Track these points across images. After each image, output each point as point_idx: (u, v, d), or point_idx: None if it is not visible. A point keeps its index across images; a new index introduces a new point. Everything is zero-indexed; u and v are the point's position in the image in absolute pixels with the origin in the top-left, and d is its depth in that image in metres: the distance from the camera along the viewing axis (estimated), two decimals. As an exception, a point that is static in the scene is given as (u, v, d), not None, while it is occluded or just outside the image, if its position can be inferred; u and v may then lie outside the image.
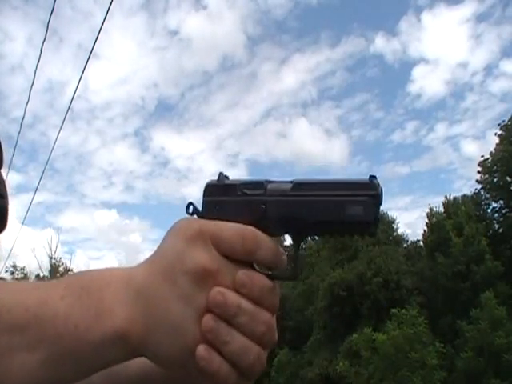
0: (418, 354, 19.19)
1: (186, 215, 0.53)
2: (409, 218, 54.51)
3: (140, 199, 54.68)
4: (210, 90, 54.35)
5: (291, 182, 0.51)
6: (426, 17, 49.33)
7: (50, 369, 0.44)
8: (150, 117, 54.10)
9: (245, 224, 0.48)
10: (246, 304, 0.46)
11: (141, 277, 0.47)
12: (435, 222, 25.28)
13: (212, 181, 0.55)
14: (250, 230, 0.47)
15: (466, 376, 19.64)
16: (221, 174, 0.55)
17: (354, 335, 21.64)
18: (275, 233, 0.51)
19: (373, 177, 0.49)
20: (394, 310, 20.80)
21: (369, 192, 0.48)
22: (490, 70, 45.95)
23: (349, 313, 24.57)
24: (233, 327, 0.45)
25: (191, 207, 0.53)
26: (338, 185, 0.49)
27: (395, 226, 30.72)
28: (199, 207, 0.54)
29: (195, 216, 0.53)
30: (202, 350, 0.45)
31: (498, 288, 21.33)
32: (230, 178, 0.55)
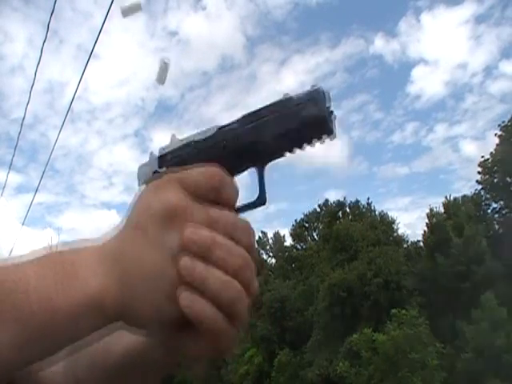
0: (418, 354, 19.18)
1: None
2: (409, 219, 54.58)
3: (140, 200, 54.42)
4: (209, 90, 54.43)
5: (240, 116, 0.53)
6: (425, 18, 49.38)
7: (24, 343, 0.42)
8: (150, 117, 54.18)
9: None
10: (220, 238, 0.45)
11: (113, 243, 0.47)
12: (435, 223, 25.26)
13: (163, 148, 0.57)
14: (216, 169, 0.47)
15: (467, 376, 19.63)
16: (173, 135, 0.56)
17: (354, 336, 21.63)
18: (238, 169, 0.52)
19: (313, 85, 0.50)
20: (394, 311, 20.79)
21: (313, 93, 0.49)
22: (489, 70, 46.04)
23: (349, 313, 24.56)
24: (209, 264, 0.44)
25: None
26: (287, 100, 0.50)
27: (395, 227, 30.76)
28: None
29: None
30: (182, 290, 0.43)
31: (499, 288, 21.31)
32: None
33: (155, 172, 0.56)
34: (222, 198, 0.47)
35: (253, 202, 0.52)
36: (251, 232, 0.48)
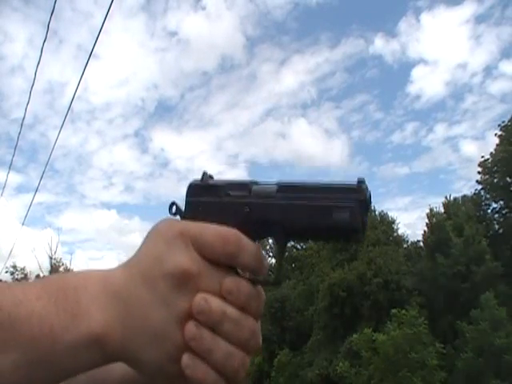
0: (418, 354, 19.17)
1: (169, 215, 0.52)
2: (408, 219, 54.55)
3: (140, 200, 54.66)
4: (209, 90, 54.39)
5: (276, 184, 0.50)
6: (425, 18, 49.25)
7: (23, 371, 0.41)
8: (150, 117, 54.13)
9: (228, 226, 0.46)
10: (231, 311, 0.44)
11: (118, 280, 0.45)
12: (435, 223, 25.26)
13: (195, 180, 0.53)
14: (233, 233, 0.46)
15: (466, 376, 19.62)
16: (205, 173, 0.53)
17: (354, 335, 21.63)
18: (259, 236, 0.49)
19: (361, 181, 0.47)
20: (394, 311, 20.78)
21: (356, 197, 0.46)
22: (489, 70, 45.90)
23: (349, 313, 24.56)
24: (217, 334, 0.44)
25: (174, 207, 0.52)
26: (325, 189, 0.47)
27: (395, 227, 30.75)
28: (183, 207, 0.53)
29: (178, 217, 0.52)
30: (186, 358, 0.43)
31: (498, 288, 21.31)
32: (228, 177, 0.54)
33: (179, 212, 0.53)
34: (239, 265, 0.46)
35: (269, 281, 0.50)
36: (262, 301, 0.47)
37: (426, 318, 20.26)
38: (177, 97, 54.85)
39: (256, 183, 0.51)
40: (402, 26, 48.83)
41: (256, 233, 0.49)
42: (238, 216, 0.49)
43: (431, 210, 26.38)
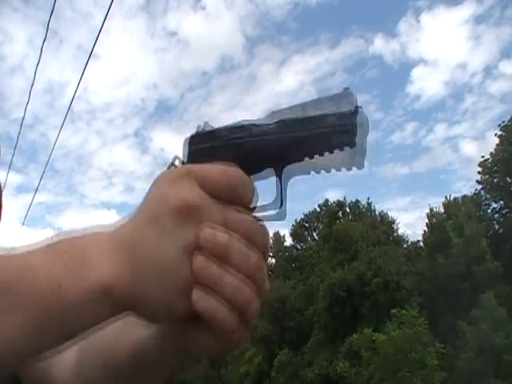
0: (418, 354, 19.18)
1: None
2: (408, 219, 54.54)
3: (140, 200, 54.28)
4: (209, 90, 54.42)
5: (276, 122, 0.51)
6: (425, 18, 49.34)
7: (34, 330, 0.42)
8: (150, 118, 54.20)
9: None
10: (237, 242, 0.45)
11: (124, 232, 0.46)
12: (435, 223, 25.27)
13: (195, 131, 0.54)
14: (235, 169, 0.47)
15: (467, 376, 19.63)
16: (206, 122, 0.54)
17: (354, 336, 21.64)
18: (256, 168, 0.51)
19: (346, 88, 0.49)
20: (394, 311, 20.79)
21: (352, 121, 0.49)
22: (489, 71, 45.99)
23: (349, 313, 24.56)
24: (224, 265, 0.44)
25: (177, 160, 0.52)
26: (321, 117, 0.49)
27: (395, 227, 30.76)
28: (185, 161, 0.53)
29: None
30: (196, 291, 0.43)
31: (498, 288, 21.32)
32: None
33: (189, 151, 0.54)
34: (240, 199, 0.46)
35: (271, 215, 0.50)
36: (267, 235, 0.47)
37: (426, 318, 20.27)
38: (177, 97, 54.93)
39: (257, 126, 0.51)
40: (402, 26, 48.92)
41: (253, 166, 0.50)
42: (236, 153, 0.50)
43: (431, 210, 26.43)
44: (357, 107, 0.49)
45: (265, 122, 0.51)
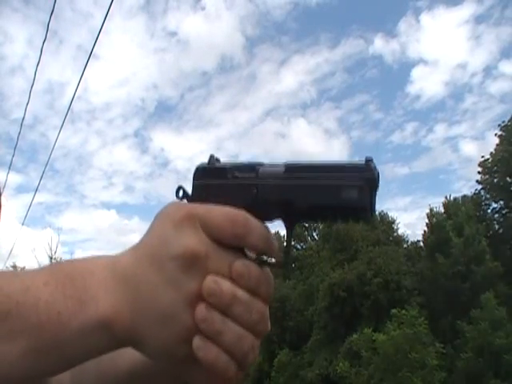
0: (418, 354, 19.17)
1: (176, 200, 0.51)
2: (408, 219, 54.50)
3: (140, 200, 54.65)
4: (209, 91, 54.41)
5: (284, 164, 0.49)
6: (425, 18, 49.26)
7: (32, 358, 0.41)
8: (150, 118, 54.17)
9: (235, 208, 0.46)
10: (241, 294, 0.44)
11: (126, 263, 0.45)
12: (435, 223, 25.25)
13: (202, 163, 0.53)
14: (241, 214, 0.45)
15: (466, 376, 19.62)
16: (212, 156, 0.53)
17: (354, 335, 21.62)
18: (267, 218, 0.49)
19: (369, 159, 0.47)
20: (394, 311, 20.78)
21: (364, 175, 0.46)
22: (489, 71, 45.89)
23: (349, 313, 24.55)
24: (227, 317, 0.44)
25: (181, 191, 0.52)
26: (333, 168, 0.47)
27: (395, 227, 30.75)
28: (190, 192, 0.52)
29: (185, 200, 0.52)
30: (197, 340, 0.43)
31: (498, 288, 21.31)
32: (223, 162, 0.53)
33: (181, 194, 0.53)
34: (247, 246, 0.46)
35: (276, 262, 0.49)
36: (271, 283, 0.47)
37: (426, 318, 20.26)
38: (177, 97, 54.92)
39: (263, 165, 0.50)
40: (402, 26, 48.88)
41: (264, 214, 0.48)
42: (246, 198, 0.49)
43: (431, 210, 26.40)
44: (375, 178, 0.46)
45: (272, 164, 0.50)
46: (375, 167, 0.47)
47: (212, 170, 0.52)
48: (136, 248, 0.46)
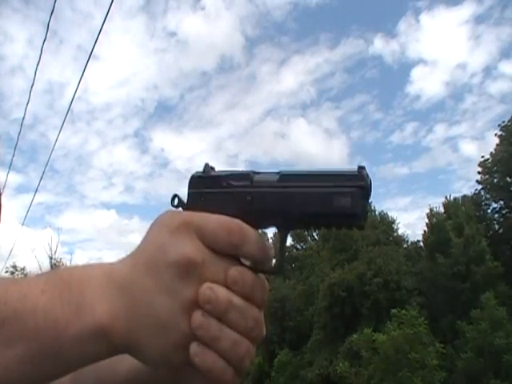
0: (418, 354, 19.16)
1: (171, 208, 0.52)
2: (408, 219, 54.57)
3: (140, 200, 54.64)
4: (209, 91, 54.40)
5: (278, 173, 0.50)
6: (424, 18, 49.24)
7: (28, 365, 0.42)
8: (150, 118, 54.18)
9: (230, 216, 0.47)
10: (236, 300, 0.45)
11: (123, 270, 0.46)
12: (435, 223, 25.26)
13: (197, 172, 0.54)
14: (236, 223, 0.46)
15: (466, 376, 19.62)
16: (206, 165, 0.53)
17: (354, 336, 21.62)
18: (261, 226, 0.50)
19: (361, 167, 0.48)
20: (394, 311, 20.78)
21: (357, 183, 0.47)
22: (488, 71, 45.94)
23: (349, 313, 24.55)
24: (223, 323, 0.45)
25: (176, 199, 0.52)
26: (326, 176, 0.48)
27: (395, 227, 30.74)
28: (185, 199, 0.53)
29: (180, 209, 0.52)
30: (194, 346, 0.44)
31: (498, 288, 21.31)
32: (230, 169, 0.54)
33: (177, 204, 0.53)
34: (243, 254, 0.46)
35: (270, 269, 0.50)
36: (266, 289, 0.48)
37: (426, 318, 20.26)
38: (176, 97, 54.95)
39: (257, 173, 0.51)
40: (402, 26, 48.90)
41: (258, 222, 0.49)
42: (240, 205, 0.49)
43: (431, 209, 26.41)
44: (368, 186, 0.47)
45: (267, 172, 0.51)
46: (367, 175, 0.47)
47: (207, 178, 0.53)
48: (133, 255, 0.47)
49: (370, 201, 0.48)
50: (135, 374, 0.59)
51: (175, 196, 0.52)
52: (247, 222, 0.47)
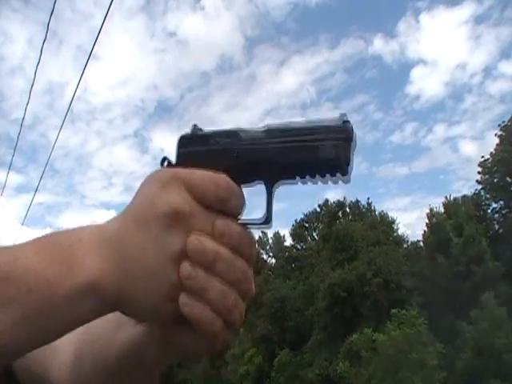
0: (418, 354, 19.19)
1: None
2: (408, 219, 54.61)
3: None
4: (209, 91, 54.44)
5: (265, 128, 0.51)
6: (424, 18, 49.31)
7: (22, 326, 0.42)
8: (150, 118, 54.25)
9: (218, 172, 0.48)
10: (224, 251, 0.46)
11: (113, 227, 0.47)
12: (435, 223, 25.26)
13: (185, 133, 0.54)
14: (223, 178, 0.47)
15: (467, 376, 19.63)
16: (195, 125, 0.54)
17: (354, 336, 21.65)
18: (248, 179, 0.51)
19: (346, 121, 0.50)
20: (394, 311, 20.81)
21: (341, 135, 0.49)
22: (488, 71, 46.09)
23: (349, 313, 24.57)
24: (211, 274, 0.45)
25: (166, 161, 0.53)
26: (311, 129, 0.49)
27: (395, 227, 30.76)
28: (174, 163, 0.53)
29: None
30: (183, 296, 0.45)
31: (498, 288, 21.31)
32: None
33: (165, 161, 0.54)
34: (228, 209, 0.47)
35: (257, 221, 0.51)
36: (253, 244, 0.49)
37: (426, 318, 20.28)
38: (176, 97, 54.97)
39: (244, 130, 0.52)
40: (402, 26, 48.99)
41: (245, 176, 0.50)
42: (227, 161, 0.50)
43: (431, 209, 26.43)
44: (350, 133, 0.49)
45: (253, 129, 0.52)
46: (352, 127, 0.50)
47: (195, 137, 0.53)
48: (123, 212, 0.48)
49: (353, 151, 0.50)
50: (128, 351, 0.58)
51: (165, 158, 0.53)
52: (234, 178, 0.48)
